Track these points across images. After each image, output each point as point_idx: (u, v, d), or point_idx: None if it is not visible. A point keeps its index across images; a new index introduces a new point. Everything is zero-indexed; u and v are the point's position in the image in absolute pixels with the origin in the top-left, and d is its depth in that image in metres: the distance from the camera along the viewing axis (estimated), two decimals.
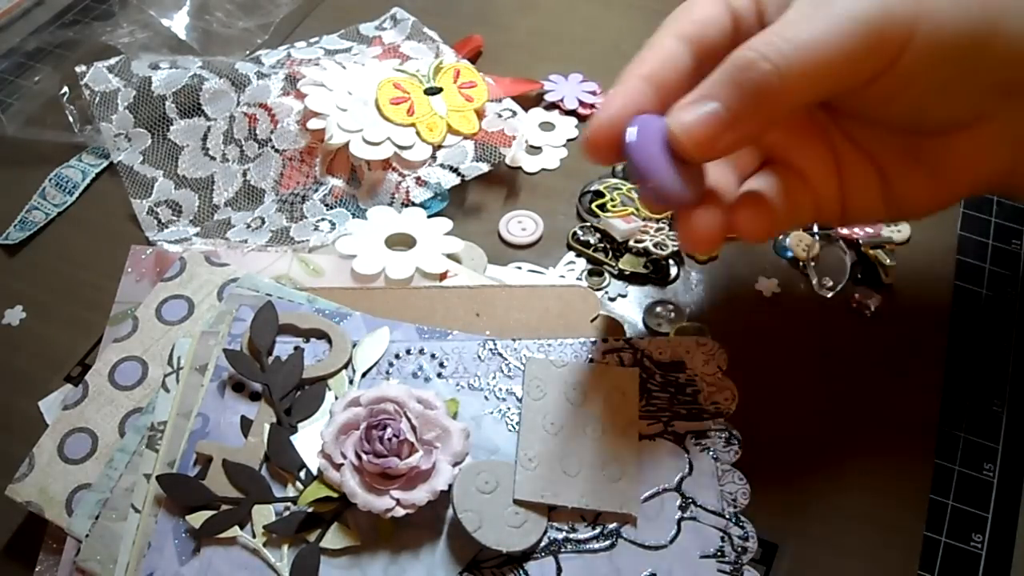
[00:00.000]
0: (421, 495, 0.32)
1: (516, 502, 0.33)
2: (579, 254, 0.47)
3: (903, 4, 0.29)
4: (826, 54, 0.28)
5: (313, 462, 0.34)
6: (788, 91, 0.28)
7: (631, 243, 0.46)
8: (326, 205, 0.48)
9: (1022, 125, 0.31)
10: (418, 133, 0.49)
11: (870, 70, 0.29)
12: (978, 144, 0.32)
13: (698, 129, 0.29)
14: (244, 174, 0.50)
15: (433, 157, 0.49)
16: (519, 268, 0.46)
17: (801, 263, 0.46)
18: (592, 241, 0.47)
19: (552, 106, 0.55)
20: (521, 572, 0.33)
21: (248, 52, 0.59)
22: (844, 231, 0.46)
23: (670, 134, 0.29)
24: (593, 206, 0.48)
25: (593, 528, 0.34)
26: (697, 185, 0.31)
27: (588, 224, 0.48)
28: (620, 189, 0.48)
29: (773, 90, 0.28)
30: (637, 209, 0.47)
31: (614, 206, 0.47)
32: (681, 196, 0.30)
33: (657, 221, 0.47)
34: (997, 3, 0.29)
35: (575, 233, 0.47)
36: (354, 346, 0.38)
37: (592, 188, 0.49)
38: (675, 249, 0.46)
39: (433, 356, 0.38)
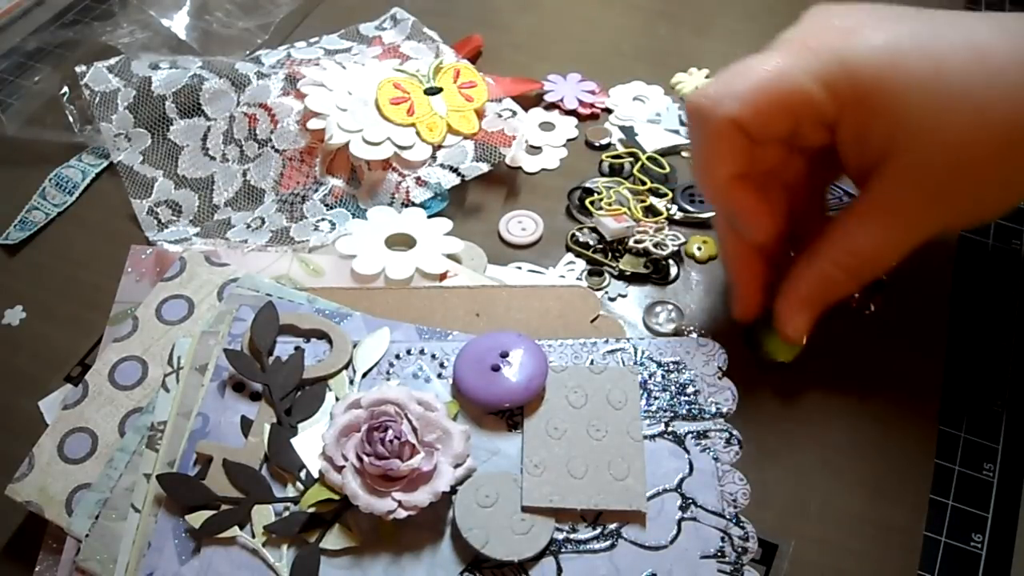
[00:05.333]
0: (423, 497, 0.32)
1: (525, 509, 0.33)
2: (578, 255, 0.47)
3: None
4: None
5: (313, 463, 0.34)
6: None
7: (631, 243, 0.46)
8: (326, 205, 0.48)
9: None
10: (418, 133, 0.49)
11: None
12: None
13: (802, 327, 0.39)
14: (244, 174, 0.50)
15: (433, 157, 0.49)
16: (519, 268, 0.46)
17: None
18: (591, 242, 0.47)
19: (552, 106, 0.55)
20: (521, 572, 0.33)
21: (248, 52, 0.59)
22: None
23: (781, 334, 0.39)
24: (587, 202, 0.48)
25: (593, 528, 0.34)
26: None
27: (586, 225, 0.48)
28: (613, 187, 0.48)
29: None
30: (629, 208, 0.47)
31: (609, 204, 0.47)
32: None
33: (653, 221, 0.47)
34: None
35: (574, 235, 0.47)
36: (354, 346, 0.38)
37: (583, 186, 0.49)
38: (675, 249, 0.46)
39: (433, 357, 0.38)
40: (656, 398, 0.37)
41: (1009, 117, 0.32)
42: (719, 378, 0.37)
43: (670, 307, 0.44)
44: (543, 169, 0.52)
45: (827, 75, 0.34)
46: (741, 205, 0.37)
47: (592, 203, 0.48)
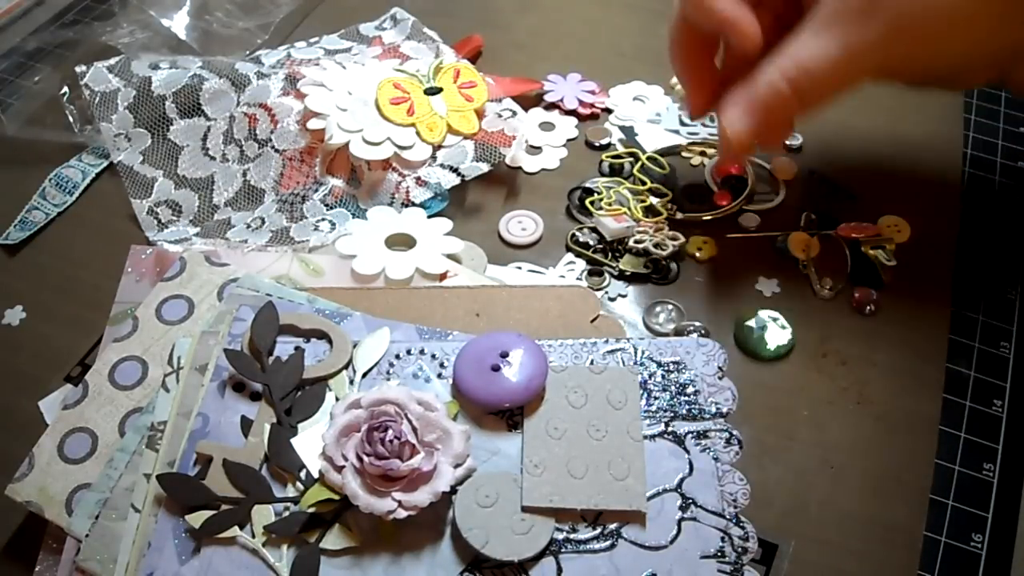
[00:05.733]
0: (423, 497, 0.32)
1: (524, 509, 0.33)
2: (578, 255, 0.47)
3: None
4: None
5: (313, 463, 0.34)
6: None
7: (631, 243, 0.46)
8: (326, 205, 0.48)
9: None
10: (418, 133, 0.49)
11: None
12: None
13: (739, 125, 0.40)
14: (244, 174, 0.50)
15: (433, 157, 0.49)
16: (519, 268, 0.46)
17: (801, 263, 0.46)
18: (591, 242, 0.47)
19: (552, 106, 0.55)
20: (521, 572, 0.33)
21: (248, 52, 0.59)
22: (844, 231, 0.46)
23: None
24: (587, 202, 0.48)
25: (593, 528, 0.34)
26: None
27: (586, 225, 0.48)
28: (613, 187, 0.48)
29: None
30: (629, 208, 0.47)
31: (609, 204, 0.47)
32: None
33: (653, 221, 0.47)
34: None
35: (574, 235, 0.47)
36: (354, 346, 0.38)
37: (584, 185, 0.49)
38: (675, 249, 0.46)
39: (433, 357, 0.38)
40: (656, 398, 0.37)
41: None
42: (719, 378, 0.37)
43: (670, 307, 0.44)
44: (543, 169, 0.52)
45: None
46: (725, 12, 0.39)
47: (592, 203, 0.48)
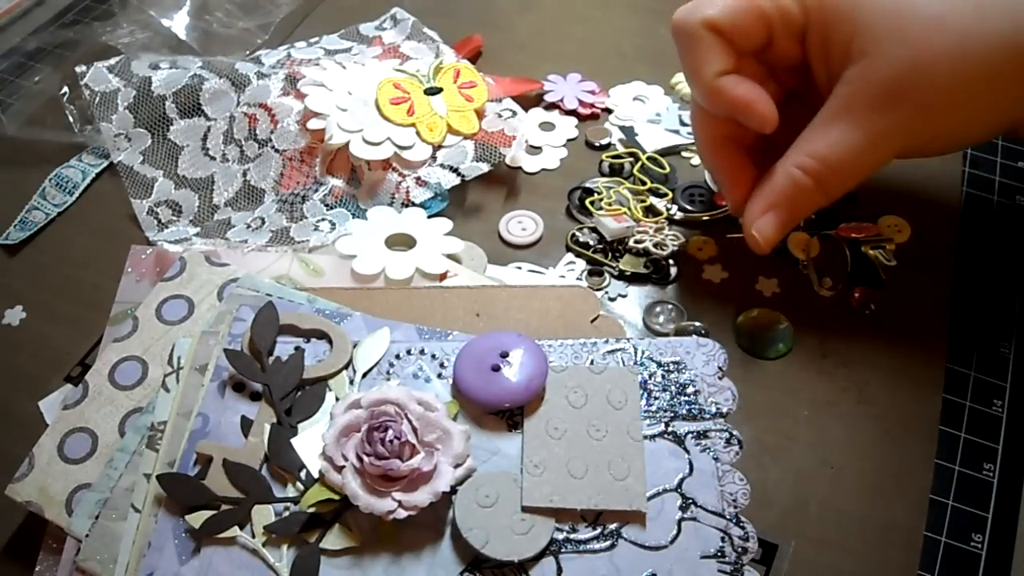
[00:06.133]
0: (423, 497, 0.32)
1: (525, 509, 0.33)
2: (578, 255, 0.47)
3: None
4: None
5: (313, 463, 0.34)
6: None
7: (631, 243, 0.46)
8: (326, 205, 0.48)
9: None
10: (418, 133, 0.49)
11: None
12: None
13: (767, 231, 0.40)
14: (244, 174, 0.50)
15: (433, 157, 0.49)
16: (519, 268, 0.46)
17: (801, 263, 0.46)
18: (591, 242, 0.47)
19: (552, 106, 0.55)
20: (521, 572, 0.33)
21: (248, 52, 0.59)
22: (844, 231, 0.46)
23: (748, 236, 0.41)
24: (587, 202, 0.48)
25: (593, 528, 0.34)
26: None
27: (586, 225, 0.48)
28: (613, 187, 0.48)
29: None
30: (629, 208, 0.47)
31: (609, 204, 0.47)
32: None
33: (653, 221, 0.47)
34: None
35: (574, 235, 0.47)
36: (354, 346, 0.38)
37: (584, 186, 0.49)
38: (675, 249, 0.46)
39: (433, 357, 0.38)
40: (656, 398, 0.37)
41: (963, 28, 0.34)
42: (719, 378, 0.37)
43: (670, 307, 0.44)
44: (543, 169, 0.52)
45: None
46: (738, 97, 0.39)
47: (592, 203, 0.48)
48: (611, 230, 0.46)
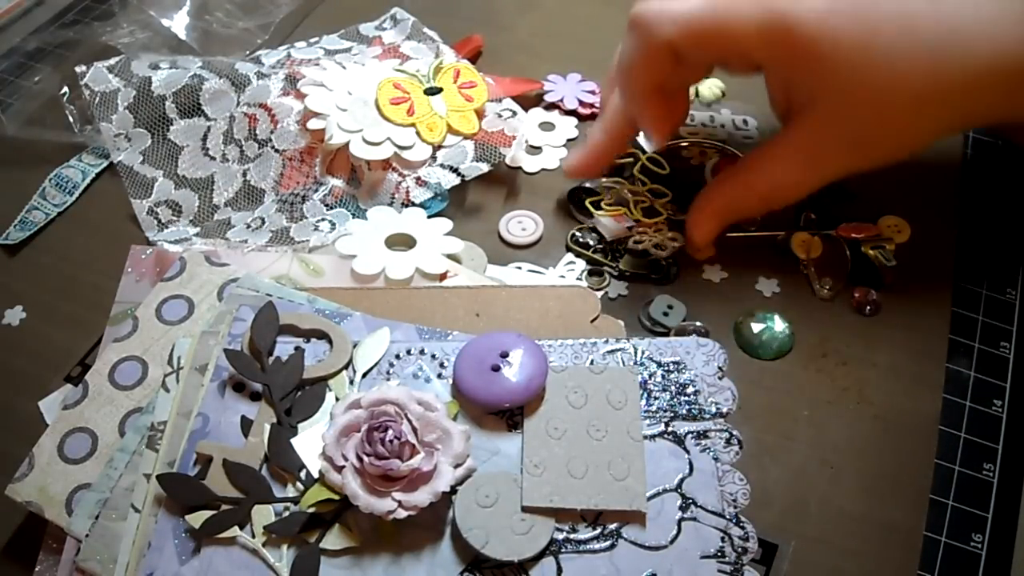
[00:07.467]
0: (423, 497, 0.32)
1: (525, 509, 0.33)
2: (578, 255, 0.47)
3: None
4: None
5: (313, 463, 0.34)
6: None
7: (631, 244, 0.46)
8: (326, 205, 0.48)
9: None
10: (418, 133, 0.49)
11: None
12: None
13: (708, 235, 0.45)
14: (244, 174, 0.50)
15: (433, 157, 0.49)
16: (519, 268, 0.46)
17: (801, 263, 0.46)
18: (591, 242, 0.47)
19: (552, 106, 0.55)
20: (521, 572, 0.33)
21: (248, 52, 0.59)
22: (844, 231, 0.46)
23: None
24: (587, 202, 0.48)
25: (593, 528, 0.34)
26: None
27: (586, 225, 0.48)
28: (613, 188, 0.48)
29: None
30: (629, 209, 0.47)
31: (609, 204, 0.47)
32: None
33: (653, 222, 0.47)
34: None
35: (574, 235, 0.47)
36: (354, 346, 0.38)
37: (584, 185, 0.49)
38: (675, 250, 0.46)
39: (433, 357, 0.38)
40: (656, 398, 0.37)
41: (926, 77, 0.37)
42: (719, 378, 0.37)
43: (670, 307, 0.44)
44: (543, 169, 0.52)
45: (765, 25, 0.38)
46: (651, 115, 0.43)
47: (592, 203, 0.48)
48: (611, 230, 0.46)
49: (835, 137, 0.39)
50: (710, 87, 0.56)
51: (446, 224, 0.45)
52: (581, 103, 0.55)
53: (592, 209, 0.47)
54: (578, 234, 0.47)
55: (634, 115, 0.44)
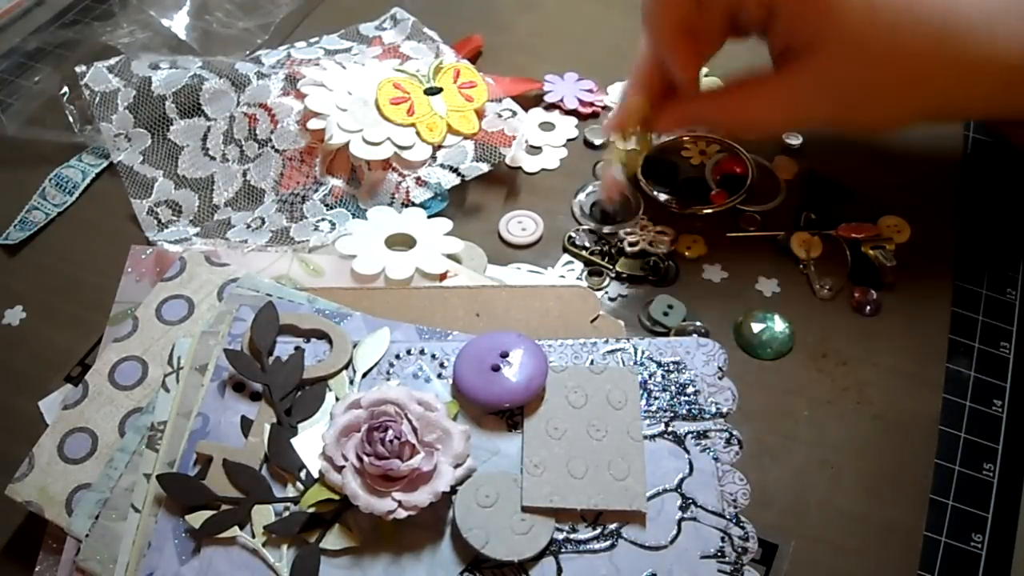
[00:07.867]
0: (423, 497, 0.32)
1: (525, 509, 0.33)
2: (575, 257, 0.47)
3: None
4: None
5: (313, 463, 0.34)
6: None
7: (626, 245, 0.46)
8: (326, 205, 0.48)
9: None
10: (418, 133, 0.49)
11: None
12: None
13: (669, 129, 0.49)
14: (244, 174, 0.50)
15: (433, 157, 0.49)
16: (519, 268, 0.46)
17: (801, 263, 0.46)
18: (588, 244, 0.47)
19: (552, 106, 0.55)
20: (521, 572, 0.33)
21: (248, 52, 0.59)
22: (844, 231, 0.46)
23: None
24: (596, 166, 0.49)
25: (593, 528, 0.34)
26: None
27: (584, 227, 0.48)
28: (618, 150, 0.49)
29: None
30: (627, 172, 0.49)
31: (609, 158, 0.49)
32: None
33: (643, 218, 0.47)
34: None
35: (571, 237, 0.47)
36: (354, 346, 0.38)
37: (588, 191, 0.50)
38: (671, 247, 0.46)
39: (433, 357, 0.38)
40: (656, 398, 0.37)
41: (923, 53, 0.38)
42: (719, 378, 0.37)
43: (670, 307, 0.44)
44: (543, 169, 0.52)
45: None
46: (675, 52, 0.43)
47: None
48: (607, 187, 0.48)
49: (823, 87, 0.40)
50: (709, 87, 0.56)
51: (446, 224, 0.45)
52: (581, 103, 0.55)
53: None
54: (575, 236, 0.47)
55: (660, 55, 0.44)
